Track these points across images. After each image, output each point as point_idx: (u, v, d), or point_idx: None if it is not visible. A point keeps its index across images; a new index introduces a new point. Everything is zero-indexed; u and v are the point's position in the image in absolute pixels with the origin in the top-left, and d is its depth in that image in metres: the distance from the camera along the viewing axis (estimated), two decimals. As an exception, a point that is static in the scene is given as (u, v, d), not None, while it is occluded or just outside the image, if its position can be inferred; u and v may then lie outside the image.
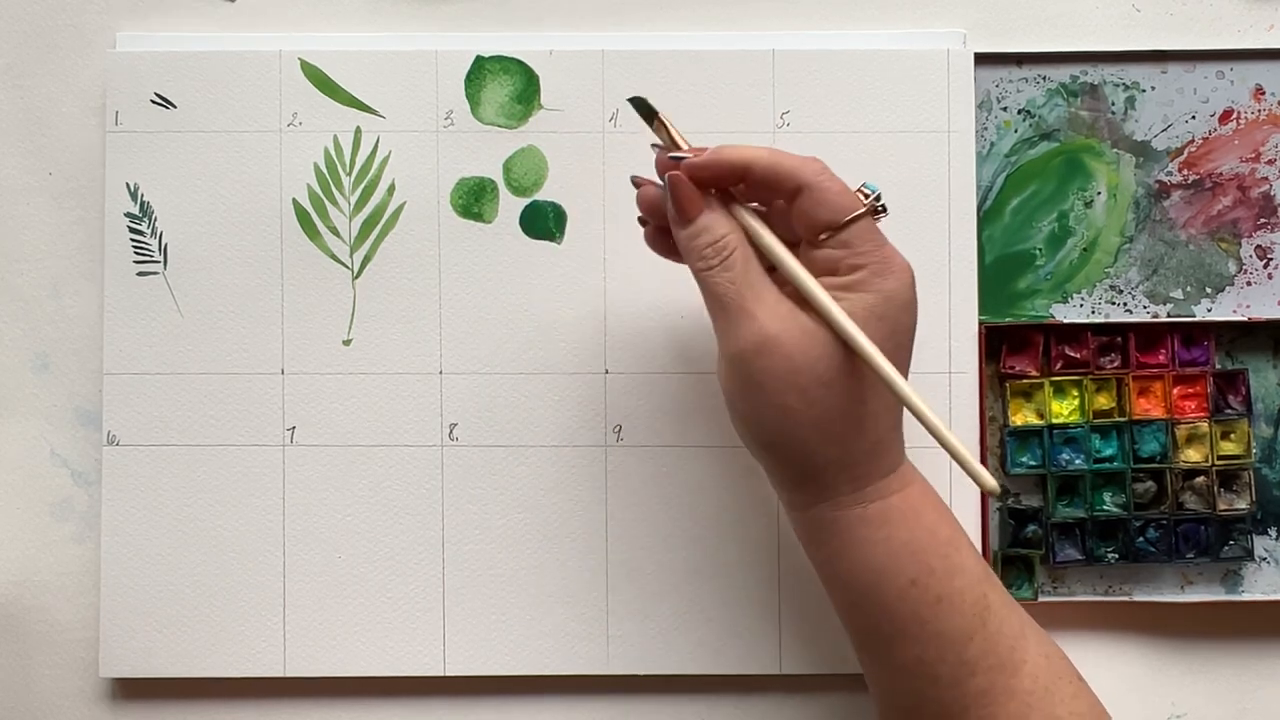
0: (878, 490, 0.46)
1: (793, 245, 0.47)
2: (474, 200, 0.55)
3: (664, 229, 0.48)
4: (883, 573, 0.46)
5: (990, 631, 0.46)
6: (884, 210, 0.46)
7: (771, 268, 0.47)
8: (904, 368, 0.46)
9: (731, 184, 0.47)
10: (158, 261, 0.55)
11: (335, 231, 0.55)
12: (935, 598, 0.46)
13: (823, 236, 0.45)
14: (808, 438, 0.45)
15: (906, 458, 0.48)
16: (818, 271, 0.46)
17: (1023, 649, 0.46)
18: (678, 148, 0.47)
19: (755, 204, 0.48)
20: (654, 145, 0.48)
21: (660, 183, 0.47)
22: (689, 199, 0.46)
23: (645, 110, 0.48)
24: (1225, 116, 0.56)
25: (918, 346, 0.55)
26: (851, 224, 0.45)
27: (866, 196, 0.46)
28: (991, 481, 0.43)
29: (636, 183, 0.49)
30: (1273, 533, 0.56)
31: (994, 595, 0.47)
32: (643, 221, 0.50)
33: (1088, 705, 0.47)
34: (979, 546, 0.55)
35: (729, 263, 0.45)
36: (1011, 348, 0.56)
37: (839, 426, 0.45)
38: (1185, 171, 0.56)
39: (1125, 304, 0.56)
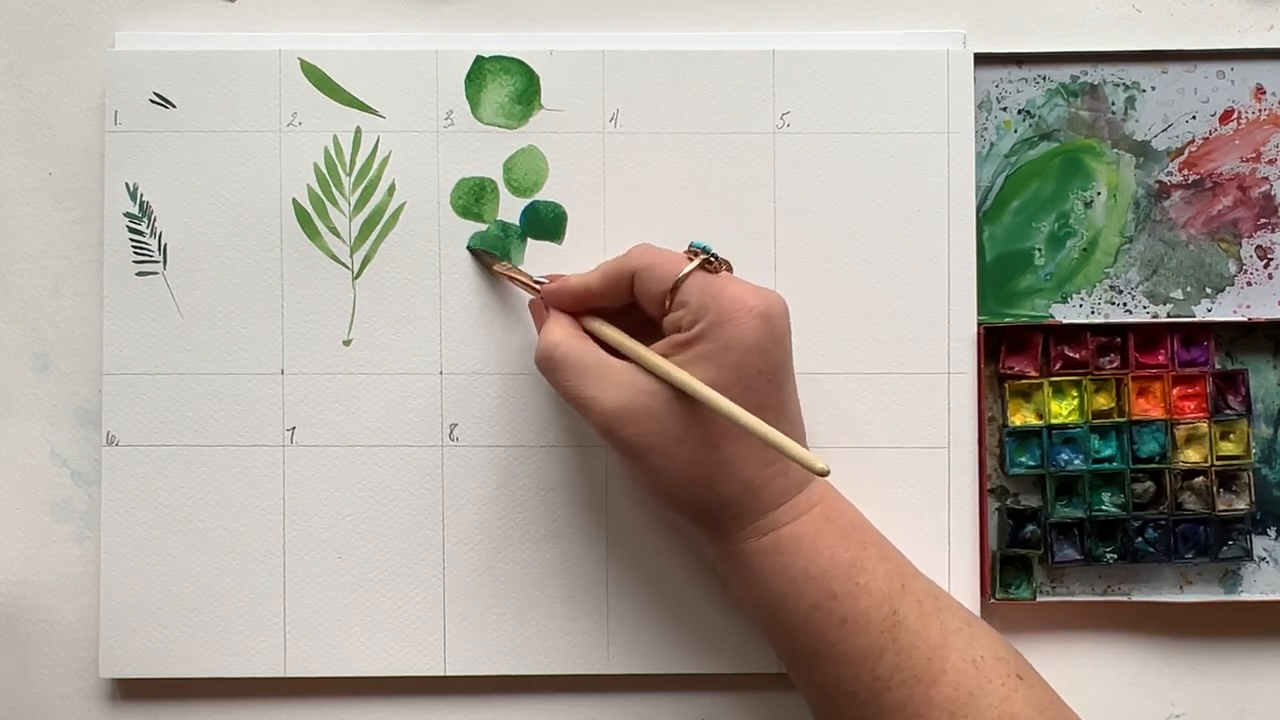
0: (766, 524, 0.49)
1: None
2: (474, 200, 0.55)
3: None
4: (784, 599, 0.48)
5: (902, 646, 0.47)
6: (717, 261, 0.49)
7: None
8: (764, 410, 0.47)
9: (583, 306, 0.51)
10: (157, 261, 0.55)
11: (335, 231, 0.55)
12: (840, 620, 0.48)
13: (666, 304, 0.49)
14: (678, 488, 0.49)
15: (813, 484, 0.50)
16: (668, 334, 0.49)
17: (941, 659, 0.47)
18: (528, 285, 0.53)
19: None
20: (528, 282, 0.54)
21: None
22: (537, 316, 0.53)
23: (488, 257, 0.55)
24: (1226, 116, 0.56)
25: (917, 347, 0.55)
26: (681, 283, 0.48)
27: (695, 255, 0.49)
28: (820, 464, 0.45)
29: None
30: (1272, 533, 0.56)
31: (906, 609, 0.48)
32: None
33: (1024, 701, 0.47)
34: (977, 546, 0.55)
35: (555, 364, 0.50)
36: (1011, 348, 0.56)
37: (703, 474, 0.48)
38: (1185, 171, 0.56)
39: (1125, 304, 0.56)
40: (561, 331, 0.50)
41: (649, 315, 0.50)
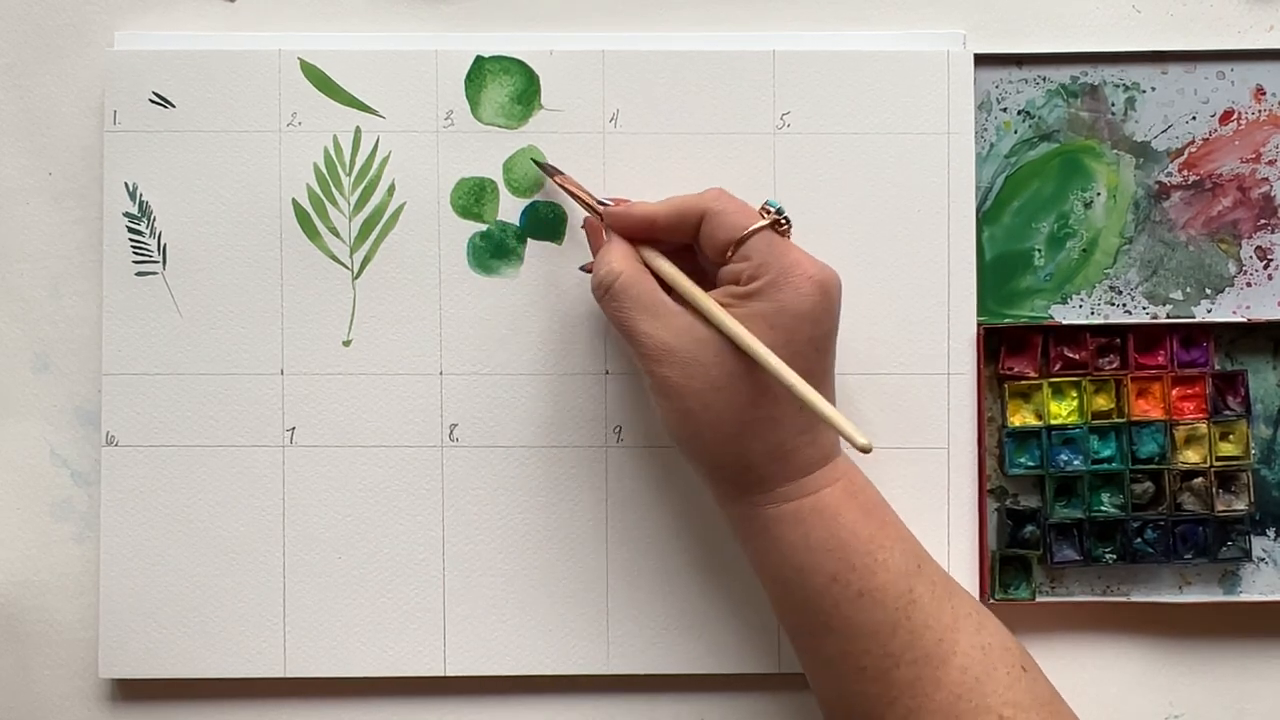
0: (790, 491, 0.49)
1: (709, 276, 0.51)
2: (474, 200, 0.55)
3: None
4: (802, 569, 0.48)
5: (915, 625, 0.47)
6: (787, 224, 0.49)
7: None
8: (810, 377, 0.47)
9: (644, 235, 0.51)
10: (157, 261, 0.55)
11: (335, 231, 0.55)
12: (856, 593, 0.48)
13: (728, 254, 0.49)
14: (708, 439, 0.49)
15: (838, 459, 0.50)
16: (723, 284, 0.49)
17: (952, 641, 0.48)
18: (589, 204, 0.53)
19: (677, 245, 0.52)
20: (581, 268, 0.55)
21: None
22: (595, 237, 0.53)
23: (550, 169, 0.54)
24: (1225, 117, 0.56)
25: (916, 347, 0.55)
26: (749, 238, 0.48)
27: (768, 213, 0.49)
28: (863, 439, 0.45)
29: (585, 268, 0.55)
30: (1271, 533, 0.56)
31: (921, 589, 0.48)
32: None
33: (1027, 692, 0.48)
34: (976, 546, 0.55)
35: (613, 292, 0.49)
36: (1010, 349, 0.56)
37: (734, 429, 0.48)
38: (1185, 172, 0.56)
39: (1124, 305, 0.56)
40: (622, 260, 0.50)
41: (706, 260, 0.51)
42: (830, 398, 0.50)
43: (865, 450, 0.45)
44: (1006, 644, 0.49)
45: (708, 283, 0.50)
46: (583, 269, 0.55)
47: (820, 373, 0.49)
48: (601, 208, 0.52)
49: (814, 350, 0.49)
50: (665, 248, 0.51)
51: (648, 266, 0.51)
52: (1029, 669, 0.48)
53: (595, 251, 0.53)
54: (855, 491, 0.49)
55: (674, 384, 0.48)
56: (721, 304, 0.48)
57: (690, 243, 0.51)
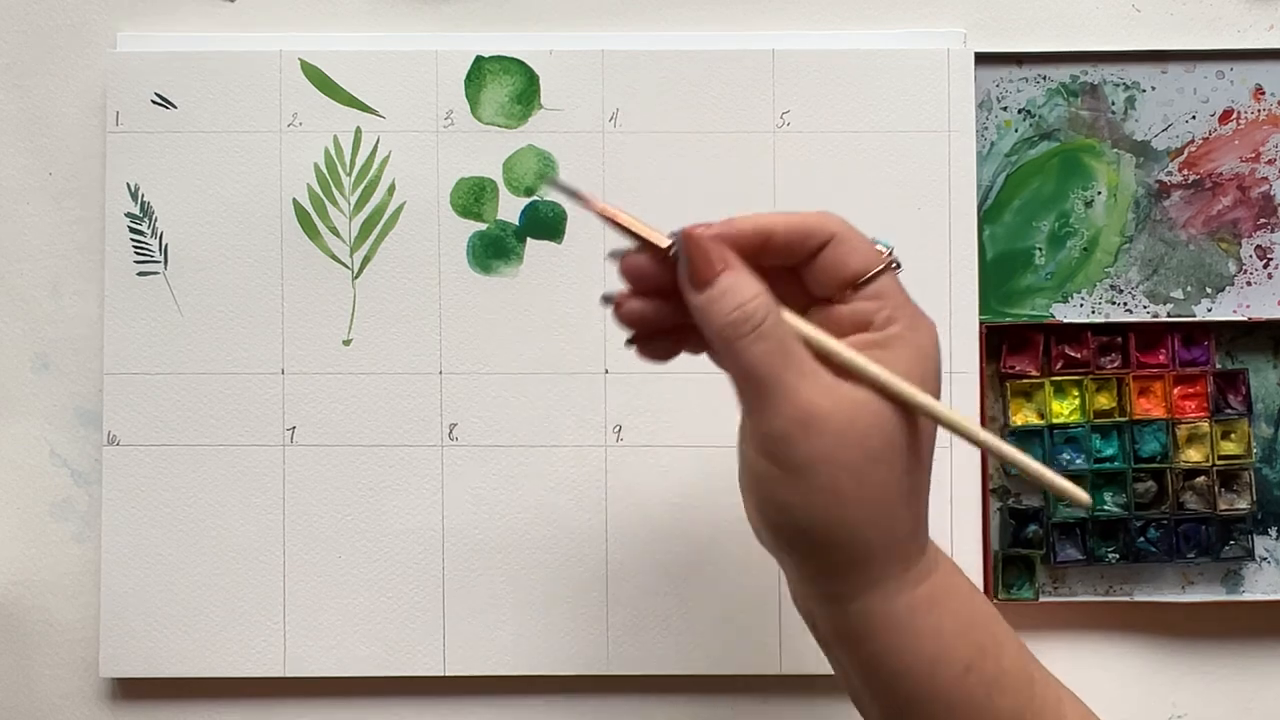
0: (921, 571, 0.42)
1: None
2: (474, 200, 0.55)
3: (656, 333, 0.43)
4: (938, 663, 0.41)
5: (1036, 707, 0.42)
6: (899, 266, 0.42)
7: None
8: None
9: (751, 254, 0.41)
10: (158, 261, 0.55)
11: (335, 231, 0.55)
12: (991, 679, 0.41)
13: (850, 290, 0.41)
14: (858, 520, 0.40)
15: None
16: (846, 330, 0.41)
17: (1062, 714, 0.43)
18: (644, 241, 0.41)
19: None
20: (613, 253, 0.43)
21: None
22: (708, 255, 0.40)
23: (580, 197, 0.43)
24: (1225, 116, 0.56)
25: (918, 346, 0.55)
26: (883, 273, 0.41)
27: (884, 251, 0.42)
28: (1085, 496, 0.41)
29: (608, 297, 0.43)
30: (1273, 532, 0.56)
31: (1033, 666, 0.43)
32: (629, 342, 0.44)
33: None
34: (979, 546, 0.55)
35: (762, 331, 0.39)
36: (1012, 347, 0.56)
37: (889, 505, 0.40)
38: (1185, 171, 0.56)
39: (1125, 304, 0.56)
40: (759, 292, 0.40)
41: (817, 289, 0.42)
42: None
43: (1089, 507, 0.40)
44: (1086, 714, 0.44)
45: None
46: (613, 255, 0.43)
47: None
48: (698, 229, 0.41)
49: (939, 397, 0.42)
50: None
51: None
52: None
53: (698, 274, 0.41)
54: (953, 561, 0.43)
55: (823, 459, 0.39)
56: (861, 351, 0.41)
57: (792, 266, 0.42)
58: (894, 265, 0.42)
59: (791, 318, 0.41)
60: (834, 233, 0.41)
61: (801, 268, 0.42)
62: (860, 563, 0.40)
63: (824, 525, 0.40)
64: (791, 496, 0.40)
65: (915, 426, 0.41)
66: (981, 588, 0.54)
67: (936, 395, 0.41)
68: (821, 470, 0.39)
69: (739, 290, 0.40)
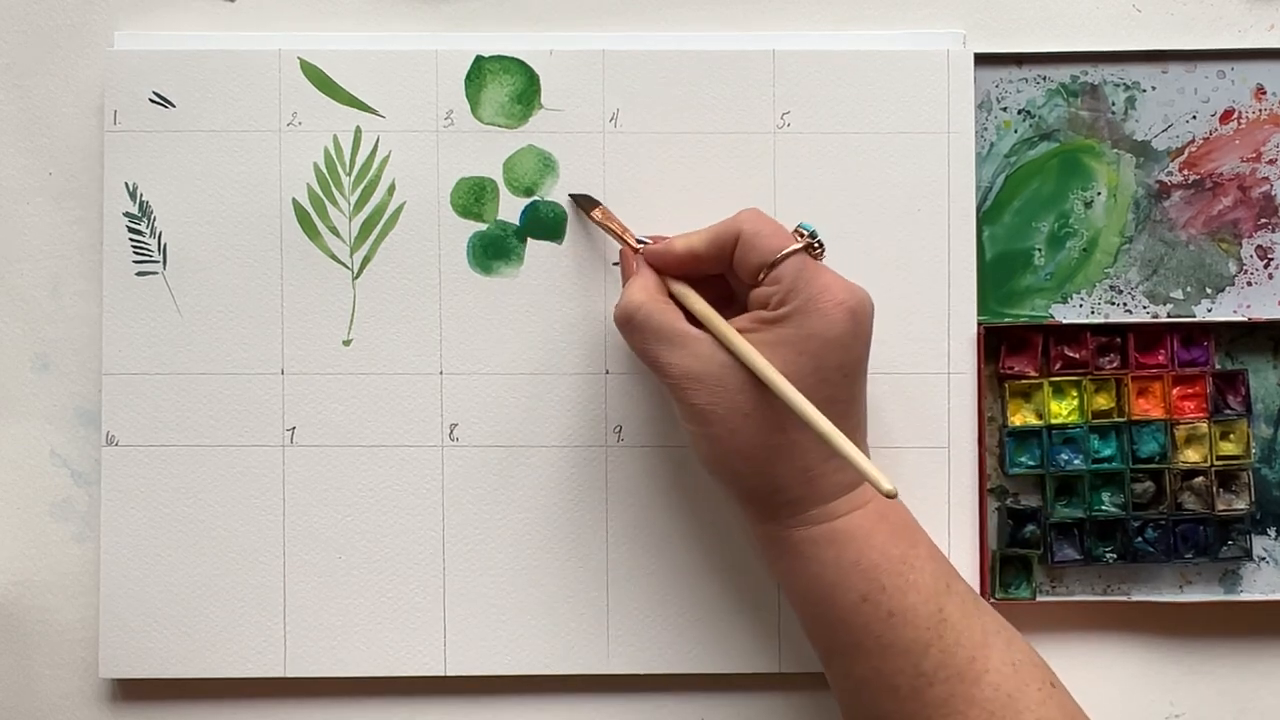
0: (820, 514, 0.49)
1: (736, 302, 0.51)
2: (474, 200, 0.55)
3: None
4: (834, 589, 0.48)
5: (947, 643, 0.47)
6: (821, 247, 0.49)
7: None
8: (836, 404, 0.48)
9: (684, 270, 0.51)
10: (157, 261, 0.55)
11: (335, 231, 0.55)
12: (887, 613, 0.48)
13: (760, 276, 0.48)
14: (736, 464, 0.49)
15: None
16: (752, 308, 0.49)
17: (984, 659, 0.47)
18: (626, 241, 0.53)
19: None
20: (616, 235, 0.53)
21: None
22: (628, 266, 0.52)
23: (587, 202, 0.54)
24: (1226, 116, 0.56)
25: (917, 346, 0.55)
26: (781, 261, 0.48)
27: (802, 236, 0.49)
28: (887, 485, 0.44)
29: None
30: (1271, 533, 0.56)
31: (951, 608, 0.48)
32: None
33: (1058, 709, 0.47)
34: (977, 546, 0.55)
35: (634, 324, 0.49)
36: (1010, 348, 0.56)
37: (762, 454, 0.48)
38: (1185, 171, 0.56)
39: (1125, 304, 0.56)
40: (644, 293, 0.50)
41: (737, 282, 0.50)
42: (860, 422, 0.50)
43: (890, 496, 0.44)
44: (1035, 660, 0.49)
45: (738, 306, 0.50)
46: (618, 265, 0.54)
47: (847, 400, 0.49)
48: (639, 247, 0.52)
49: (842, 377, 0.48)
50: (703, 275, 0.51)
51: (674, 297, 0.51)
52: (1056, 685, 0.48)
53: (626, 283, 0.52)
54: (886, 513, 0.49)
55: (701, 409, 0.48)
56: (748, 329, 0.48)
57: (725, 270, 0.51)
58: (814, 249, 0.49)
59: (688, 294, 0.50)
60: (739, 232, 0.49)
61: (727, 267, 0.50)
62: (753, 499, 0.50)
63: (714, 465, 0.50)
64: (690, 438, 0.50)
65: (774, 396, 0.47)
66: (978, 587, 0.55)
67: (831, 372, 0.48)
68: (703, 420, 0.48)
69: (626, 297, 0.50)
